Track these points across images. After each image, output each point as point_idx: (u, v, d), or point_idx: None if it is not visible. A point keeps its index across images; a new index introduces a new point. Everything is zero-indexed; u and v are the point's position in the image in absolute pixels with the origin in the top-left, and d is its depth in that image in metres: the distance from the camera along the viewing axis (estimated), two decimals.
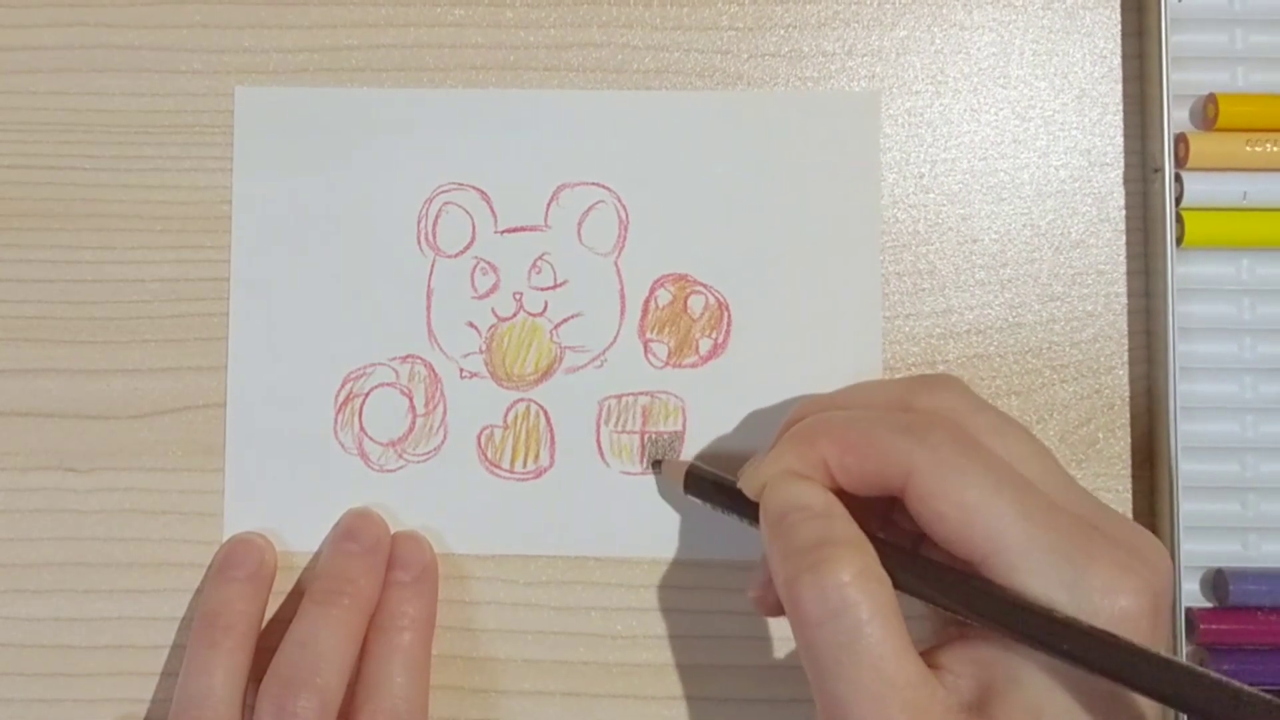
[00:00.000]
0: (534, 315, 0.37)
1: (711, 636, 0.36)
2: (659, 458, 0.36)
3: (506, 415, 0.36)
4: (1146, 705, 0.26)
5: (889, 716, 0.25)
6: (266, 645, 0.34)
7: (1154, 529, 0.36)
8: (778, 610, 0.30)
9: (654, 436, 0.36)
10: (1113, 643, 0.25)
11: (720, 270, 0.37)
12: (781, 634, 0.36)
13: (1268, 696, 0.23)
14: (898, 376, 0.36)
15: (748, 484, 0.31)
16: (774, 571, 0.28)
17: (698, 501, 0.34)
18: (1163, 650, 0.25)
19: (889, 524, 0.31)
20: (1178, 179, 0.35)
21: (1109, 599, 0.25)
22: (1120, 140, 0.37)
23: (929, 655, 0.28)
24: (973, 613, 0.27)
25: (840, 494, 0.29)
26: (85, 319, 0.37)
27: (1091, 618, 0.25)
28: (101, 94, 0.37)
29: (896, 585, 0.27)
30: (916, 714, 0.25)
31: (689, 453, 0.36)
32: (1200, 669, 0.24)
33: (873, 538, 0.28)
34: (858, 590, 0.26)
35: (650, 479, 0.36)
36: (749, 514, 0.31)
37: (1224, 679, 0.24)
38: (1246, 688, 0.23)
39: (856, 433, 0.29)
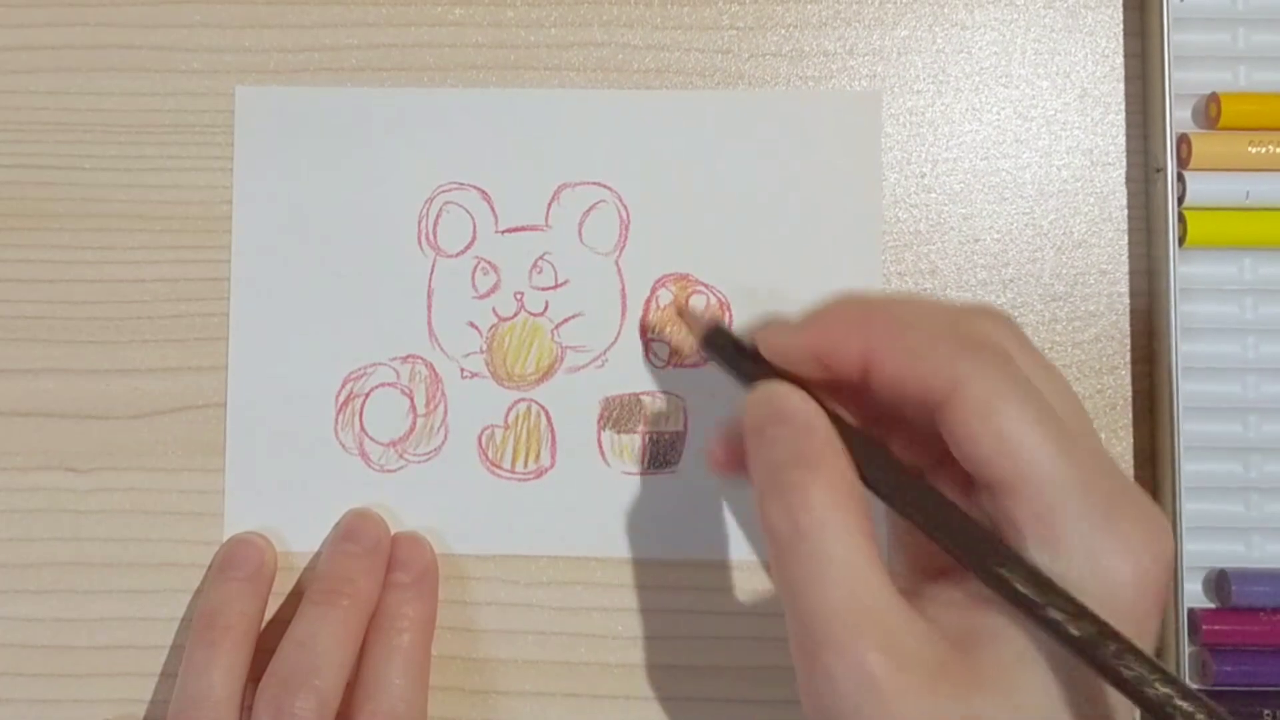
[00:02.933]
0: (535, 315, 0.37)
1: (713, 637, 0.36)
2: (679, 308, 0.35)
3: (507, 415, 0.36)
4: None
5: (855, 636, 0.25)
6: (266, 646, 0.34)
7: None
8: (730, 468, 0.30)
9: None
10: (1095, 628, 0.24)
11: (721, 270, 0.37)
12: (782, 635, 0.36)
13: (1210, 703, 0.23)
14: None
15: (770, 346, 0.29)
16: (753, 480, 0.27)
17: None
18: (1137, 632, 0.24)
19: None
20: (1180, 179, 0.35)
21: (1133, 554, 0.24)
22: (1122, 140, 0.37)
23: (918, 589, 0.27)
24: (954, 548, 0.26)
25: (848, 395, 0.28)
26: (85, 319, 0.37)
27: (1110, 569, 0.24)
28: (101, 94, 0.37)
29: (873, 489, 0.27)
30: (885, 638, 0.25)
31: (689, 454, 0.36)
32: (1172, 679, 0.23)
33: (861, 443, 0.27)
34: (831, 512, 0.25)
35: (651, 479, 0.36)
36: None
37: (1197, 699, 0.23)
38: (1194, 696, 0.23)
39: (913, 333, 0.27)
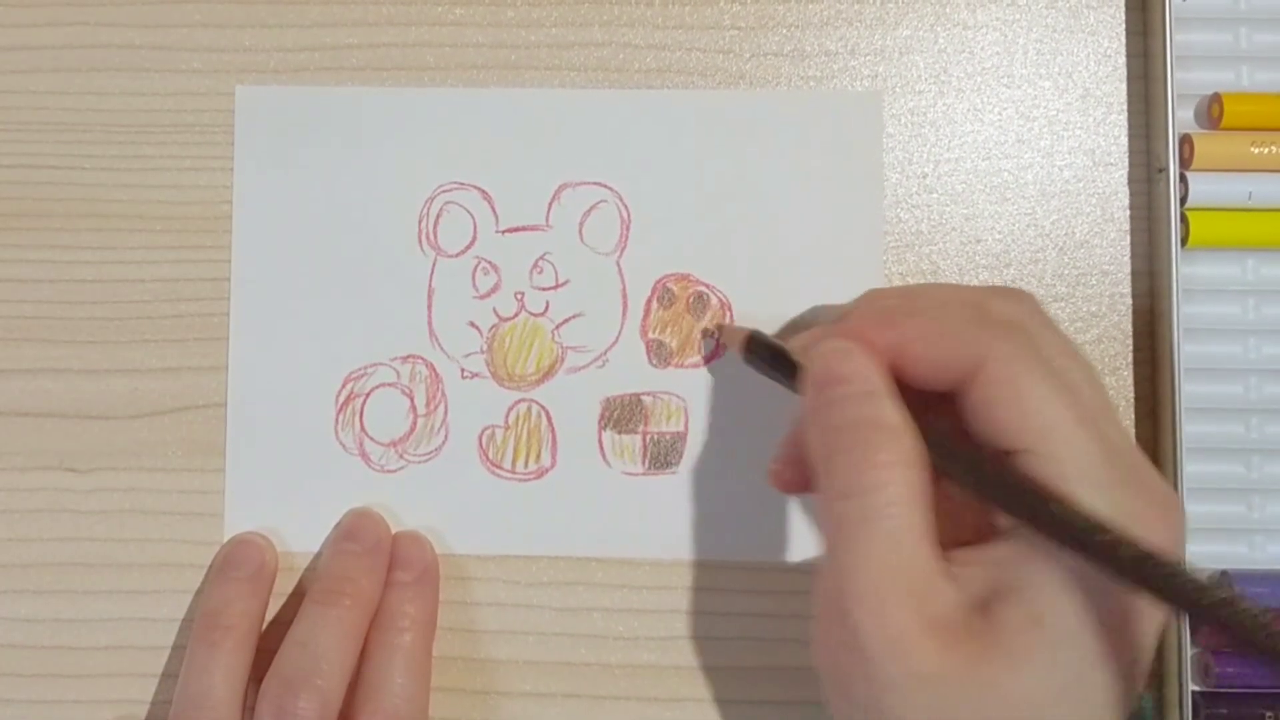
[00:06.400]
0: (535, 315, 0.37)
1: (713, 638, 0.36)
2: (717, 324, 0.36)
3: (508, 415, 0.36)
4: (1150, 627, 0.26)
5: (889, 596, 0.25)
6: (267, 646, 0.34)
7: None
8: (793, 487, 0.31)
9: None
10: (1144, 550, 0.24)
11: (722, 270, 0.37)
12: (784, 636, 0.36)
13: None
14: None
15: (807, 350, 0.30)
16: (811, 441, 0.28)
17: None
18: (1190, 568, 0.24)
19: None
20: (1182, 179, 0.35)
21: (1143, 526, 0.25)
22: (1125, 140, 0.37)
23: (948, 550, 0.27)
24: (1009, 503, 0.26)
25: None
26: (85, 319, 0.37)
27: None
28: (101, 94, 0.37)
29: (936, 469, 0.27)
30: (917, 600, 0.26)
31: (689, 456, 0.36)
32: (1226, 590, 0.24)
33: (916, 422, 0.28)
34: (893, 473, 0.26)
35: (652, 480, 0.36)
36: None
37: (1250, 604, 0.23)
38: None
39: (937, 320, 0.28)
